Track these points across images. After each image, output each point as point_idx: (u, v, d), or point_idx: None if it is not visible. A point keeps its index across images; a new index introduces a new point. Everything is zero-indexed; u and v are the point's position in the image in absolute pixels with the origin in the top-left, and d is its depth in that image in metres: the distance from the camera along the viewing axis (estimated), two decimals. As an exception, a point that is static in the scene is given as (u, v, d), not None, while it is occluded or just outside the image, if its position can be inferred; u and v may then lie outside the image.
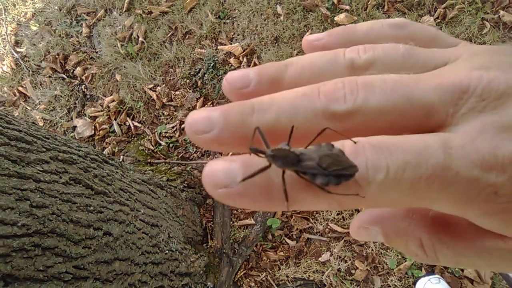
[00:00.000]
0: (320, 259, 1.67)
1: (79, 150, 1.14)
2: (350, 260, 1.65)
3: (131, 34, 2.27)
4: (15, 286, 0.73)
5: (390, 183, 0.19)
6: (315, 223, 1.73)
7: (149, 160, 1.90)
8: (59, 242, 0.85)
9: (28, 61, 2.35)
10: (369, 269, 1.63)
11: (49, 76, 2.27)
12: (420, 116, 0.20)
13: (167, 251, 1.34)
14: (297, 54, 2.04)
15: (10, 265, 0.73)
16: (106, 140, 2.05)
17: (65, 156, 1.02)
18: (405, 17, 2.02)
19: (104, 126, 2.09)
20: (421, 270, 1.59)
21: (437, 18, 1.98)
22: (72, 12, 2.44)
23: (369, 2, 2.09)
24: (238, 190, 0.19)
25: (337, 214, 1.72)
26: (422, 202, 0.19)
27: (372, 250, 1.64)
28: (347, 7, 2.11)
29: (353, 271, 1.64)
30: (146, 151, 1.96)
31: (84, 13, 2.40)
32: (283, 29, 2.12)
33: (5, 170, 0.80)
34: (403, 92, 0.20)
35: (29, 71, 2.31)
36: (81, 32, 2.35)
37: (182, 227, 1.56)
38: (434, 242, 0.23)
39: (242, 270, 1.72)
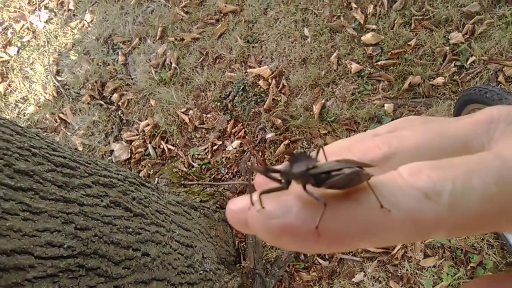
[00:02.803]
0: (353, 279, 1.66)
1: (118, 174, 1.19)
2: (384, 280, 1.63)
3: (165, 60, 2.37)
4: (62, 305, 0.78)
5: (461, 191, 0.18)
6: (347, 243, 1.72)
7: (182, 182, 1.95)
8: (101, 263, 0.90)
9: (68, 89, 2.49)
10: (404, 290, 1.60)
11: (88, 103, 2.40)
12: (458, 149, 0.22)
13: (201, 272, 1.37)
14: (324, 75, 2.07)
15: (58, 284, 0.78)
16: (142, 163, 2.13)
17: (105, 180, 1.08)
18: (432, 34, 2.02)
19: (139, 150, 2.17)
20: (459, 292, 1.55)
21: (466, 34, 1.97)
22: (109, 41, 2.57)
23: (396, 21, 2.10)
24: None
25: (370, 234, 1.71)
26: (502, 214, 0.19)
27: (407, 270, 1.61)
28: (374, 27, 2.13)
29: (388, 292, 1.62)
30: (180, 173, 2.01)
31: (120, 42, 2.53)
32: (311, 50, 2.15)
33: (52, 195, 0.86)
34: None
35: (69, 98, 2.44)
36: (117, 60, 2.47)
37: (215, 247, 1.59)
38: None
39: (275, 290, 1.73)
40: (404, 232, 0.18)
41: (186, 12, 2.52)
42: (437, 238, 0.19)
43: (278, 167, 0.21)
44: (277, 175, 0.21)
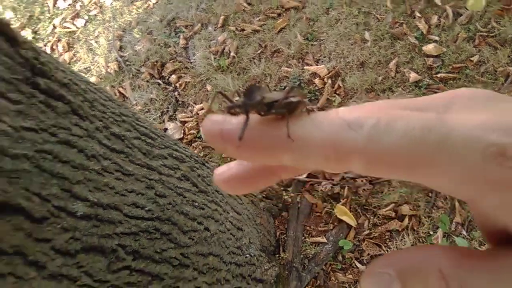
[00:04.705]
0: (390, 285, 1.67)
1: (185, 150, 1.25)
2: None
3: (224, 48, 2.43)
4: (139, 262, 0.84)
5: (384, 127, 0.19)
6: (387, 250, 1.74)
7: (230, 168, 2.00)
8: (172, 230, 0.95)
9: (129, 65, 2.58)
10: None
11: (147, 81, 2.48)
12: None
13: (247, 255, 1.42)
14: (381, 81, 2.08)
15: (138, 243, 0.84)
16: (193, 144, 2.20)
17: (177, 154, 1.14)
18: (496, 52, 1.99)
19: (192, 131, 2.24)
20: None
21: (534, 56, 1.93)
22: (172, 24, 2.65)
23: (459, 35, 2.08)
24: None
25: (412, 244, 1.71)
26: (420, 162, 0.19)
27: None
28: (436, 38, 2.11)
29: (423, 303, 1.62)
30: (229, 159, 2.07)
31: (182, 26, 2.61)
32: (370, 54, 2.16)
33: (138, 160, 0.92)
34: None
35: (129, 74, 2.54)
36: (178, 43, 2.55)
37: (259, 235, 1.63)
38: (457, 270, 0.19)
39: (309, 286, 1.76)
40: (322, 153, 0.20)
41: (249, 4, 2.56)
42: (354, 169, 0.20)
43: (237, 102, 0.25)
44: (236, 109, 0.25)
